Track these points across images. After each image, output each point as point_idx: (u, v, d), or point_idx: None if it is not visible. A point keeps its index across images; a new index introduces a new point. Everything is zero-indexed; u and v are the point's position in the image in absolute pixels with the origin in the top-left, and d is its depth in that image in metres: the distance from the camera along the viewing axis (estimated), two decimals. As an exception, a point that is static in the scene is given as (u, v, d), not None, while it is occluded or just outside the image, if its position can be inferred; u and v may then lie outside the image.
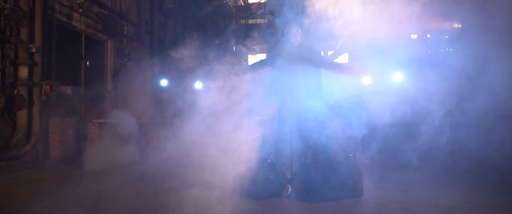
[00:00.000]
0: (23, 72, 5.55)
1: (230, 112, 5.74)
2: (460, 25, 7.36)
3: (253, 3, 18.77)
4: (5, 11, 5.24)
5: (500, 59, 5.90)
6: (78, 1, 6.92)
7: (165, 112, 6.35)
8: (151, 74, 8.42)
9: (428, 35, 8.23)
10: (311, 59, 3.66)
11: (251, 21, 14.96)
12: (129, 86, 8.00)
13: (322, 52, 12.52)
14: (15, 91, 5.48)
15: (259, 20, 15.62)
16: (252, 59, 14.61)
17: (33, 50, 5.64)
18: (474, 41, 6.90)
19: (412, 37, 9.77)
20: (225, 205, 3.08)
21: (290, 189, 3.43)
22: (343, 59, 15.17)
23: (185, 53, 6.62)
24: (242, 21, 14.62)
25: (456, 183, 3.99)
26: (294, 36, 3.73)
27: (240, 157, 3.65)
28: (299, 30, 3.81)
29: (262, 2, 18.21)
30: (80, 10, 7.00)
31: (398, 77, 8.10)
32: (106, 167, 5.25)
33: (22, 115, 5.58)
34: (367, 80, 8.70)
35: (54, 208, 3.10)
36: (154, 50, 9.62)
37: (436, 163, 4.95)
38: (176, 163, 4.93)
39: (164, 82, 8.02)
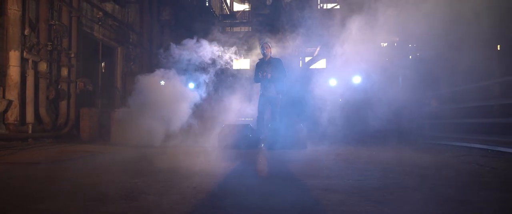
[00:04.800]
0: (64, 72, 7.79)
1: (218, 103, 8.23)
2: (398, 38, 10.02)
3: (238, 11, 21.29)
4: (54, 26, 7.48)
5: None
6: (98, 16, 9.20)
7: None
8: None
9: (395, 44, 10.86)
10: (277, 66, 6.09)
11: (235, 29, 17.41)
12: (134, 86, 10.25)
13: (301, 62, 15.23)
14: (59, 87, 7.70)
15: (243, 28, 18.10)
16: (237, 63, 16.91)
17: (72, 55, 7.89)
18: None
19: (382, 45, 12.42)
20: (216, 152, 5.42)
21: (262, 145, 5.84)
22: (320, 64, 17.70)
23: (178, 57, 8.90)
24: (228, 29, 17.02)
25: (372, 144, 6.52)
26: (266, 49, 6.14)
27: (229, 126, 6.06)
28: (270, 45, 6.25)
29: (246, 11, 20.75)
30: (100, 23, 9.27)
31: (357, 80, 10.70)
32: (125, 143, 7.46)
33: (63, 105, 7.81)
34: (333, 82, 11.25)
35: (114, 153, 5.35)
36: (152, 55, 11.90)
37: (367, 136, 7.51)
38: (182, 135, 7.25)
39: (162, 82, 10.30)
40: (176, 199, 2.19)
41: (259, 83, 6.13)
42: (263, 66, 6.06)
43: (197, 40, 8.25)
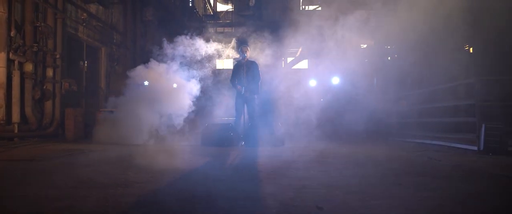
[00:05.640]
0: (50, 72, 8.03)
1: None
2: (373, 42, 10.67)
3: (221, 12, 21.64)
4: (40, 28, 7.72)
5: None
6: (83, 17, 9.44)
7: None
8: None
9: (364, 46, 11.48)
10: (253, 69, 6.57)
11: (219, 29, 17.77)
12: (117, 85, 10.53)
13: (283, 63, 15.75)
14: (44, 87, 7.94)
15: (226, 29, 18.48)
16: (220, 63, 17.27)
17: (57, 56, 8.14)
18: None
19: (362, 46, 13.03)
20: (199, 149, 5.85)
21: (242, 142, 6.30)
22: (302, 65, 18.23)
23: (162, 58, 9.22)
24: (211, 30, 17.36)
25: (345, 142, 7.08)
26: (245, 51, 6.61)
27: (211, 125, 6.50)
28: (248, 47, 6.72)
29: (230, 11, 21.11)
30: (84, 24, 9.52)
31: (336, 80, 11.27)
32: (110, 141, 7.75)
33: (48, 105, 8.05)
34: (313, 83, 11.79)
35: (102, 150, 5.70)
36: (136, 56, 12.18)
37: (342, 134, 8.10)
38: (167, 133, 7.61)
39: (146, 83, 10.61)
40: (163, 186, 2.62)
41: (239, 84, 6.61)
42: (240, 68, 6.54)
43: (181, 40, 8.53)
